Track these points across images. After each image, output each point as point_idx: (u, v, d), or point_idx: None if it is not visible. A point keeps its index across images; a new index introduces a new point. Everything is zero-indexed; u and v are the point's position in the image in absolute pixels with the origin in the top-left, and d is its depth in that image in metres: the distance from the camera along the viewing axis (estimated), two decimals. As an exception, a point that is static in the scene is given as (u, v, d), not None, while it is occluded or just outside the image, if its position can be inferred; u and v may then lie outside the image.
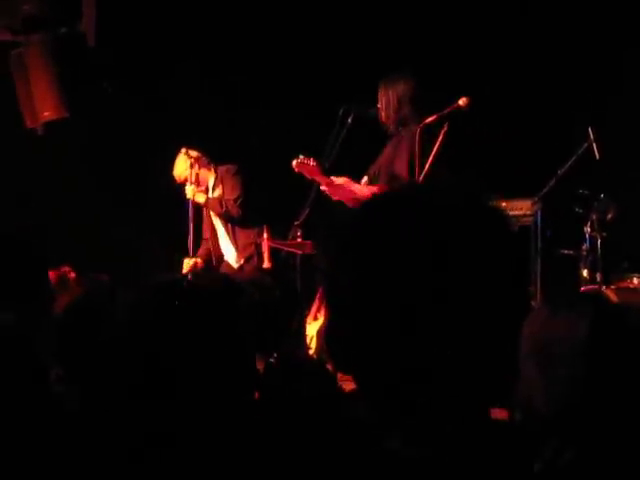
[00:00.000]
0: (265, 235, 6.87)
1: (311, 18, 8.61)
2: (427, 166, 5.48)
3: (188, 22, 8.45)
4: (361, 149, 5.99)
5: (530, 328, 2.32)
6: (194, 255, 7.40)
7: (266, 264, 6.85)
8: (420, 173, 5.49)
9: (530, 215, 7.48)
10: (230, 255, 7.41)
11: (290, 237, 6.73)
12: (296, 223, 6.56)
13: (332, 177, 5.98)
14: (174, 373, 1.72)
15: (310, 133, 6.90)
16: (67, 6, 7.19)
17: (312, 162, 5.98)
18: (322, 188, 6.02)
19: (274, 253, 6.92)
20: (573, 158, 6.99)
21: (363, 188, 5.98)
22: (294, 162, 6.01)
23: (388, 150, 6.01)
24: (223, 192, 7.36)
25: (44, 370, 2.67)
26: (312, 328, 7.68)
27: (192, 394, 1.74)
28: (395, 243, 1.15)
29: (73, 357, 3.49)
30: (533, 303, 6.78)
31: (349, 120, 6.03)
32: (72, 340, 3.51)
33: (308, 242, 6.41)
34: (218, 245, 7.47)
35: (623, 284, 6.73)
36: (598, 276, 6.74)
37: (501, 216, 1.25)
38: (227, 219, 7.33)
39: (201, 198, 7.33)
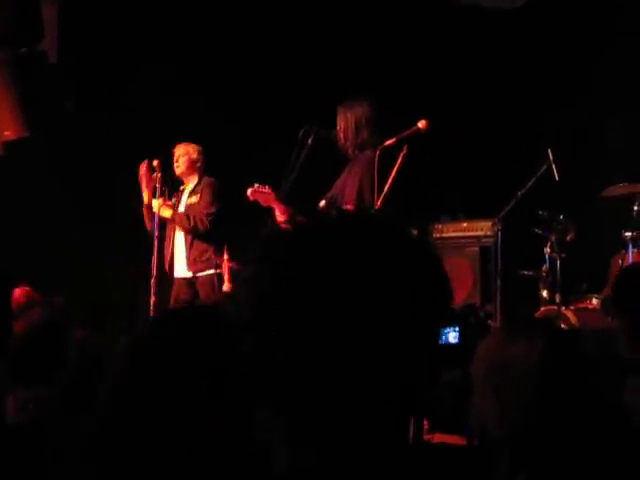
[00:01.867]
0: (225, 256, 6.80)
1: (271, 41, 8.65)
2: (386, 189, 5.49)
3: (151, 38, 8.44)
4: (322, 170, 5.99)
5: (485, 351, 2.33)
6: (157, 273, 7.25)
7: (226, 286, 6.75)
8: (379, 196, 5.50)
9: (490, 236, 7.54)
10: (180, 264, 7.32)
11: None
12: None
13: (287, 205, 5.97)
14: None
15: (270, 154, 6.91)
16: (28, 24, 7.12)
17: (267, 189, 5.98)
18: (277, 217, 6.00)
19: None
20: (533, 179, 7.05)
21: None
22: (249, 190, 6.01)
23: (345, 174, 6.02)
24: (199, 202, 7.30)
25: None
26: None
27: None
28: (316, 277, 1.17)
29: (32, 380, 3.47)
30: (492, 323, 6.83)
31: (309, 141, 6.02)
32: (30, 365, 3.49)
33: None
34: (173, 253, 7.38)
35: (582, 305, 6.78)
36: (557, 297, 6.79)
37: (426, 253, 1.27)
38: (192, 233, 7.24)
39: (167, 213, 7.23)
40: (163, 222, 7.28)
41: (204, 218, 7.12)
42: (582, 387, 2.24)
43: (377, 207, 5.46)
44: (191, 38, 8.54)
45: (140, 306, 7.24)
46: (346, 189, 5.88)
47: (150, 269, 7.08)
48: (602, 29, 8.17)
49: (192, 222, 7.12)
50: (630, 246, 6.53)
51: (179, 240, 7.32)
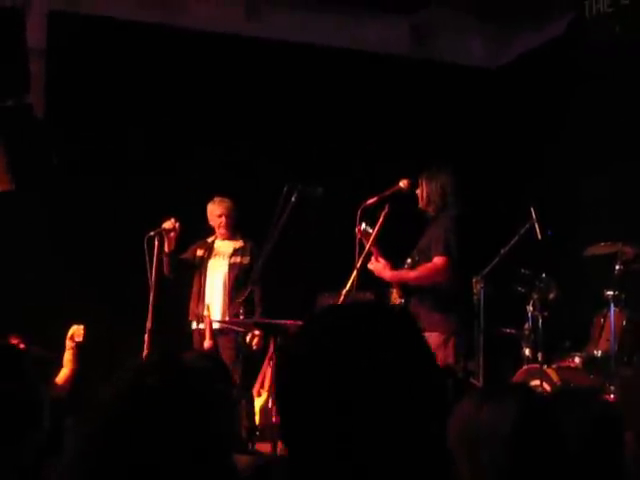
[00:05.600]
0: (206, 312, 6.80)
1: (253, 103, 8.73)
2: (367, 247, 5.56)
3: (138, 93, 8.47)
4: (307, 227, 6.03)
5: (460, 414, 2.34)
6: None
7: (207, 343, 6.74)
8: (360, 255, 5.57)
9: (473, 294, 7.53)
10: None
11: (232, 315, 6.72)
12: (238, 301, 6.58)
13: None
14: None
15: (254, 211, 6.95)
16: (15, 78, 7.15)
17: (372, 231, 6.05)
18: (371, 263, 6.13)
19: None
20: (516, 238, 7.06)
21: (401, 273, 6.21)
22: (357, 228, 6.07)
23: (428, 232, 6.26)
24: (249, 263, 7.27)
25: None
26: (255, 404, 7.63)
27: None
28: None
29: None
30: (474, 381, 6.80)
31: (293, 198, 6.07)
32: None
33: (250, 320, 6.36)
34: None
35: (564, 363, 6.77)
36: (540, 355, 6.76)
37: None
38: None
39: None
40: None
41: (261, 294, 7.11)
42: (554, 457, 2.25)
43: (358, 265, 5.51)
44: (180, 94, 8.59)
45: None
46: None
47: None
48: (571, 93, 8.26)
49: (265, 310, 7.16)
50: (612, 305, 6.54)
51: (217, 299, 7.31)
